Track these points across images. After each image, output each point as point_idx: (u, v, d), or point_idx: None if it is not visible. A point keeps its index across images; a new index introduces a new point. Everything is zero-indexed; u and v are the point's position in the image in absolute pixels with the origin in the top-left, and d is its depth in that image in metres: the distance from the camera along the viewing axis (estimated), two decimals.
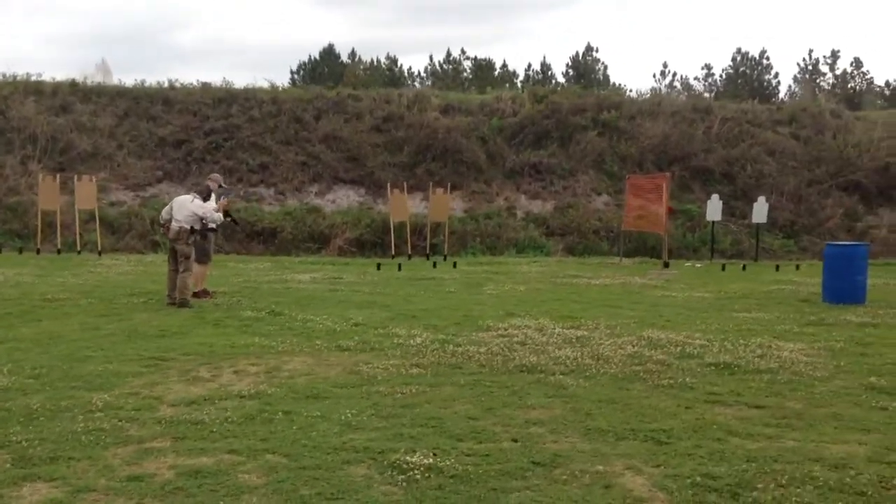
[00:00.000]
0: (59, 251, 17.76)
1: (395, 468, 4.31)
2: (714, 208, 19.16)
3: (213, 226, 11.20)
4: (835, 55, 52.23)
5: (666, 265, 17.67)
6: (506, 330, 8.86)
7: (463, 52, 52.54)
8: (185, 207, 10.64)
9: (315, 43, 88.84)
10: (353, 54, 53.26)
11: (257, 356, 7.32)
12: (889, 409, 5.81)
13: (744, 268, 17.44)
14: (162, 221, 11.19)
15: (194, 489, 3.95)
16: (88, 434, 4.75)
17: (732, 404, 5.93)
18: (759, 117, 26.35)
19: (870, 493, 4.15)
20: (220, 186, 11.80)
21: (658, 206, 17.05)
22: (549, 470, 4.42)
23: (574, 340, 8.26)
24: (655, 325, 9.34)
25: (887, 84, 49.72)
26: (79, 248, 18.03)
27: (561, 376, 6.65)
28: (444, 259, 18.83)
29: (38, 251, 17.63)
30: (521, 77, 51.00)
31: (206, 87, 25.25)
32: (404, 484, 4.12)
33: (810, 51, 72.98)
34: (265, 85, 25.84)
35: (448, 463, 4.41)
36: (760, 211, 18.92)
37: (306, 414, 5.32)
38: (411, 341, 8.07)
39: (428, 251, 19.44)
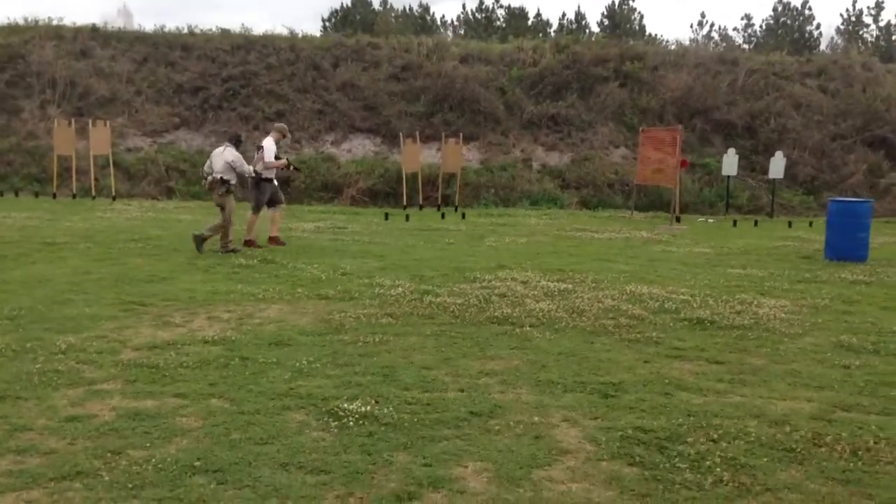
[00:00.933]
0: (74, 196, 18.05)
1: (331, 415, 4.41)
2: (730, 163, 18.87)
3: (269, 175, 11.20)
4: (879, 6, 50.48)
5: (677, 220, 17.50)
6: (490, 282, 8.88)
7: (497, 0, 51.57)
8: (219, 158, 10.73)
9: None
10: (384, 2, 52.73)
11: (236, 303, 7.44)
12: (850, 368, 5.78)
13: (755, 223, 17.22)
14: (204, 175, 11.20)
15: (128, 431, 4.08)
16: (43, 375, 4.91)
17: (693, 359, 5.93)
18: (787, 69, 25.69)
19: (799, 449, 4.17)
20: (283, 137, 11.89)
21: (671, 159, 16.81)
22: (485, 420, 4.48)
23: (556, 293, 8.27)
24: (644, 280, 9.31)
25: None
26: (93, 194, 18.31)
27: (530, 328, 6.69)
28: (455, 210, 18.83)
29: (54, 196, 17.95)
30: (555, 27, 50.24)
31: (225, 33, 25.21)
32: (336, 430, 4.21)
33: (854, 1, 70.36)
34: (284, 32, 25.71)
35: (386, 411, 4.49)
36: (777, 166, 18.61)
37: (262, 360, 5.43)
38: (391, 291, 8.14)
39: (439, 202, 19.43)
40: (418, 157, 19.48)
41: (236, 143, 11.08)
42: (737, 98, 23.96)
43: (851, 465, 3.98)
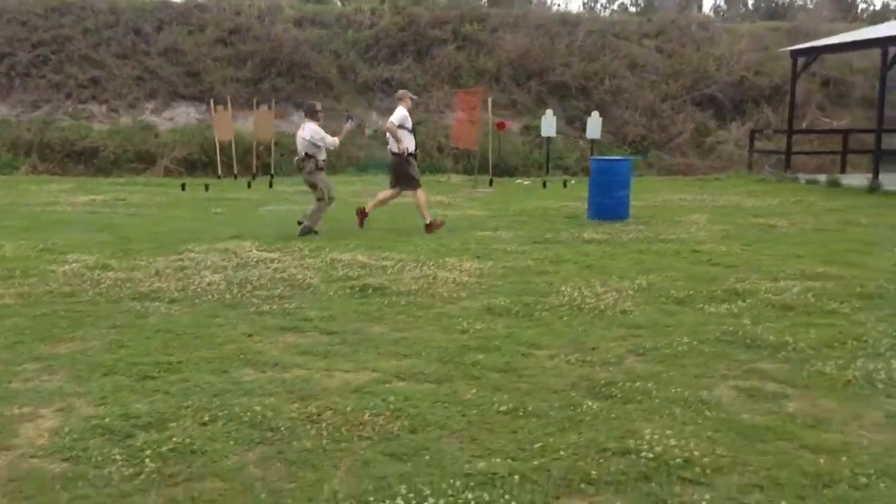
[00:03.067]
0: None
1: None
2: (548, 124, 18.72)
3: (411, 150, 10.34)
4: None
5: (490, 183, 17.35)
6: (195, 254, 8.39)
7: None
8: (299, 136, 10.01)
9: None
10: None
11: None
12: (467, 332, 5.52)
13: (564, 184, 17.17)
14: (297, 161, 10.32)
15: None
16: None
17: (307, 331, 5.59)
18: (625, 30, 25.82)
19: (282, 428, 3.85)
20: (411, 100, 10.82)
21: (476, 121, 16.58)
22: None
23: (249, 264, 7.83)
24: (371, 247, 8.95)
25: None
26: None
27: (167, 303, 6.24)
28: (272, 178, 18.16)
29: None
30: None
31: None
32: None
33: None
34: None
35: None
36: (594, 126, 18.58)
37: None
38: (65, 268, 7.54)
39: (255, 171, 18.70)
40: (230, 123, 18.64)
41: (312, 113, 10.10)
42: (573, 59, 23.92)
43: (320, 443, 3.67)
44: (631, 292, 6.70)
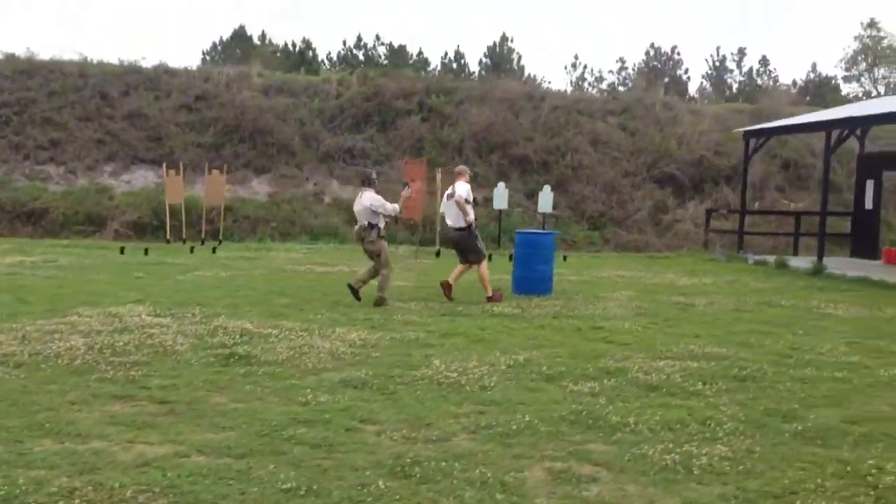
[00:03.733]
0: None
1: None
2: (500, 196, 18.79)
3: (473, 222, 10.74)
4: (741, 52, 52.89)
5: (437, 254, 17.24)
6: (81, 317, 8.17)
7: (378, 38, 50.77)
8: (359, 205, 10.10)
9: (227, 23, 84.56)
10: (263, 36, 51.22)
11: None
12: (306, 406, 5.29)
13: (509, 258, 17.00)
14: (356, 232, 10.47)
15: None
16: None
17: (139, 400, 5.36)
18: (590, 107, 26.16)
19: None
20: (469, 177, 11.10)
21: (420, 191, 16.59)
22: None
23: (131, 328, 7.62)
24: (270, 315, 8.76)
25: (794, 83, 49.89)
26: None
27: (7, 368, 6.02)
28: (219, 243, 18.05)
29: None
30: (437, 65, 50.00)
31: (9, 57, 23.88)
32: None
33: (717, 48, 73.08)
34: (75, 57, 24.55)
35: None
36: (545, 200, 18.64)
37: None
38: None
39: (203, 236, 18.59)
40: (181, 188, 18.63)
41: (368, 182, 10.28)
42: (536, 134, 24.13)
43: None
44: (503, 367, 6.48)
